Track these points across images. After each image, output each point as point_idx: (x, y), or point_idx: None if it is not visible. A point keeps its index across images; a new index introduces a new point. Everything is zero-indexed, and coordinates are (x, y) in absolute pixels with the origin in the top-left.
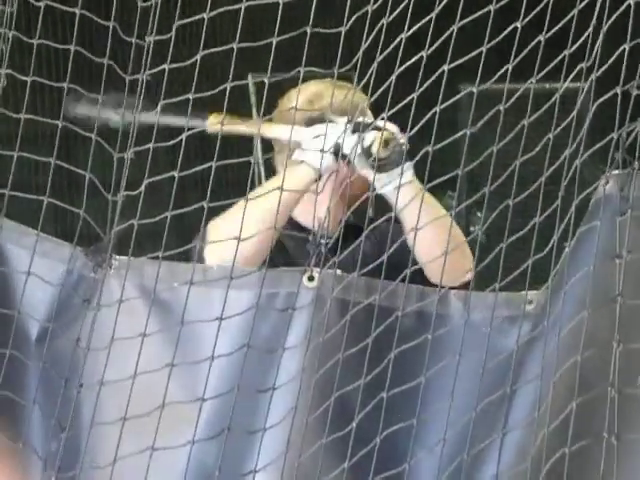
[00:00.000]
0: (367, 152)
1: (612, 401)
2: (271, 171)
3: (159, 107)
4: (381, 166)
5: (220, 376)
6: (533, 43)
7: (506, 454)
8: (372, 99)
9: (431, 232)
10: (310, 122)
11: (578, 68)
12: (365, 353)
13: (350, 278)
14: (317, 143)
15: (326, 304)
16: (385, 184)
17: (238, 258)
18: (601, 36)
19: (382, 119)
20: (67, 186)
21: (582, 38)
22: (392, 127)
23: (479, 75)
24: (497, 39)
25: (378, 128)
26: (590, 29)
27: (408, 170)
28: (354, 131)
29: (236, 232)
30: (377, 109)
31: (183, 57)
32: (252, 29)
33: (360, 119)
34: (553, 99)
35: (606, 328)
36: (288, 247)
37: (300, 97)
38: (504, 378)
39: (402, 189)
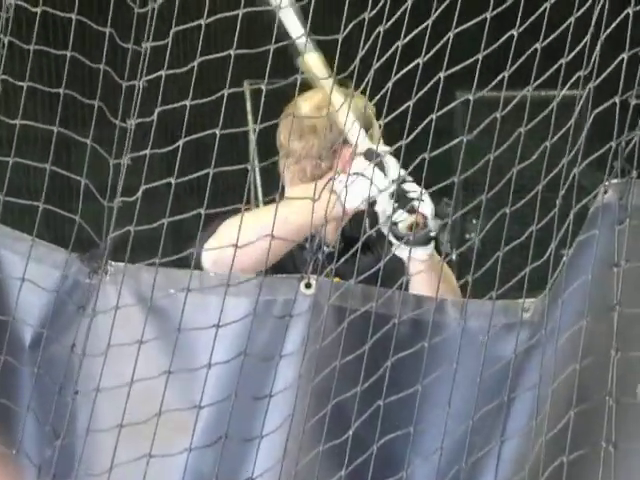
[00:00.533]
0: (392, 223)
1: (610, 410)
2: (275, 174)
3: (155, 114)
4: (402, 238)
5: (217, 383)
6: (530, 51)
7: (504, 463)
8: (372, 102)
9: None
10: (368, 155)
11: (575, 76)
12: (362, 360)
13: (347, 285)
14: (361, 185)
15: (323, 311)
16: (402, 250)
17: (239, 262)
18: (599, 44)
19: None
20: (62, 191)
21: (579, 46)
22: (427, 210)
23: (475, 83)
24: (493, 46)
25: (412, 208)
26: (587, 37)
27: (429, 249)
28: (398, 198)
29: (251, 240)
30: (376, 115)
31: (179, 63)
32: (249, 35)
33: (410, 184)
34: (550, 107)
35: (604, 337)
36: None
37: (307, 105)
38: (501, 386)
39: (416, 263)
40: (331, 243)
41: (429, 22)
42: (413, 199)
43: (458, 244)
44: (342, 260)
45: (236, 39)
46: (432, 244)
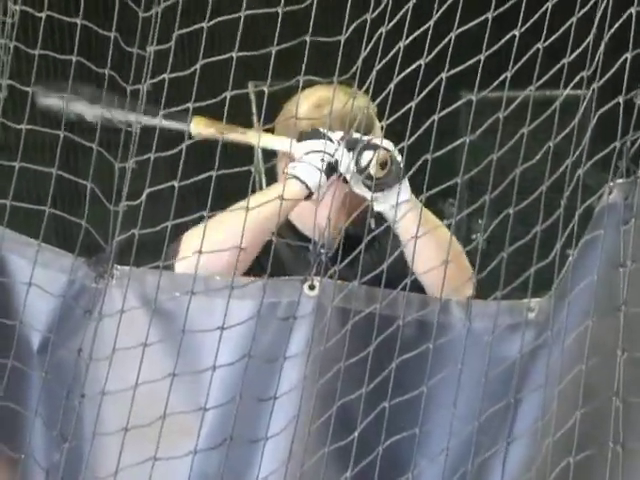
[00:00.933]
0: (363, 172)
1: (617, 410)
2: (272, 179)
3: (160, 116)
4: (377, 186)
5: (222, 386)
6: (532, 51)
7: (510, 464)
8: (375, 103)
9: (428, 248)
10: (303, 137)
11: (579, 77)
12: (366, 362)
13: (351, 287)
14: (310, 159)
15: (327, 313)
16: (382, 202)
17: (214, 266)
18: (602, 45)
19: (378, 137)
20: (67, 196)
21: (582, 46)
22: (389, 145)
23: (477, 83)
24: (495, 47)
25: (375, 146)
26: (591, 37)
27: (405, 189)
28: (350, 149)
29: (219, 239)
30: (378, 116)
31: (184, 66)
32: (252, 37)
33: (356, 135)
34: (553, 107)
35: (610, 337)
36: (283, 256)
37: (306, 103)
38: (507, 387)
39: (399, 207)
40: (333, 241)
41: (430, 23)
42: (368, 140)
43: (464, 244)
44: (346, 261)
45: (238, 41)
46: (406, 180)
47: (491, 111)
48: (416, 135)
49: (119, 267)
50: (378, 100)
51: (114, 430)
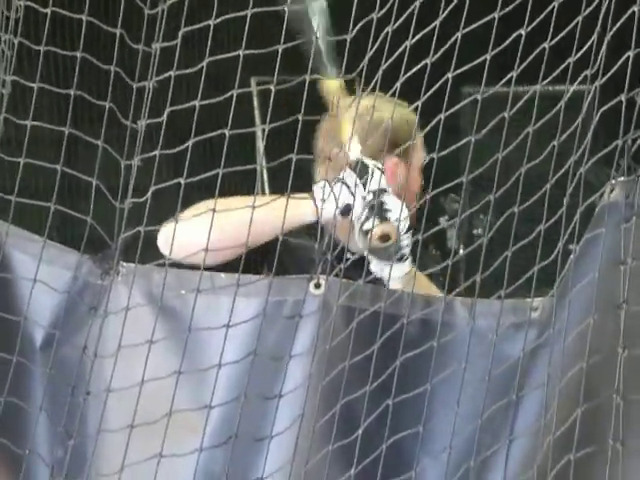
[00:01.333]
0: (364, 233)
1: (617, 408)
2: (282, 172)
3: (165, 115)
4: (375, 252)
5: (227, 384)
6: (538, 50)
7: (512, 462)
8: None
9: None
10: (354, 166)
11: (582, 75)
12: (371, 360)
13: (356, 285)
14: (337, 190)
15: (332, 311)
16: (376, 265)
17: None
18: (605, 43)
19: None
20: (71, 192)
21: (587, 45)
22: (399, 222)
23: (483, 82)
24: (500, 47)
25: (383, 217)
26: (595, 35)
27: (402, 266)
28: (373, 208)
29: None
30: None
31: (187, 63)
32: (257, 33)
33: (389, 195)
34: (558, 106)
35: (611, 335)
36: (301, 256)
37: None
38: (510, 385)
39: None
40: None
41: (437, 23)
42: (387, 210)
43: (466, 239)
44: (352, 259)
45: (245, 38)
46: (408, 262)
47: (493, 105)
48: (422, 134)
49: (124, 264)
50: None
51: (119, 427)
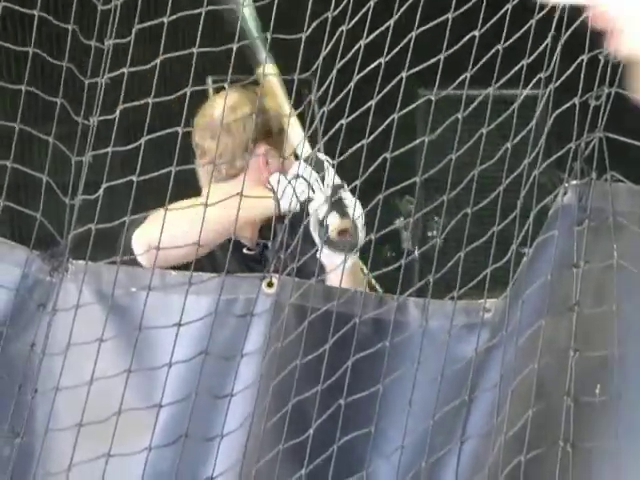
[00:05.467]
0: (321, 226)
1: (568, 409)
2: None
3: (118, 112)
4: (332, 245)
5: (178, 383)
6: (492, 52)
7: (464, 462)
8: (332, 104)
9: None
10: (309, 161)
11: (536, 78)
12: (323, 360)
13: (308, 284)
14: (298, 184)
15: (284, 310)
16: (326, 256)
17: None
18: (559, 46)
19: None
20: (23, 189)
21: (541, 47)
22: (359, 218)
23: (437, 83)
24: (455, 47)
25: (343, 212)
26: (549, 38)
27: (353, 257)
28: (333, 203)
29: (184, 229)
30: (338, 113)
31: (143, 60)
32: (213, 31)
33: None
34: (511, 109)
35: (563, 337)
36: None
37: (222, 103)
38: (462, 386)
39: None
40: (251, 245)
41: (390, 22)
42: (347, 206)
43: (420, 241)
44: (305, 258)
45: (199, 36)
46: (357, 253)
47: (447, 106)
48: (375, 135)
49: (74, 261)
50: (338, 98)
51: (68, 426)
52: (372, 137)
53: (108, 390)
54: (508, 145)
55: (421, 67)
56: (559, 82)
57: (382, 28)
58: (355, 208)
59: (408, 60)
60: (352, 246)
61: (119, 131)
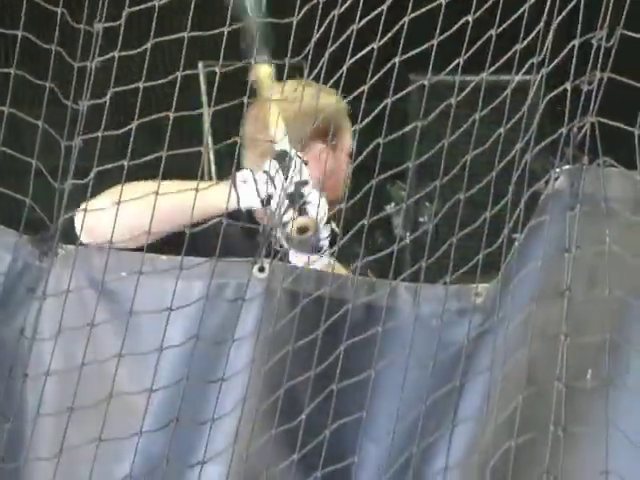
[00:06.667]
0: (284, 225)
1: (559, 394)
2: (228, 156)
3: (108, 96)
4: (293, 243)
5: (169, 367)
6: (485, 37)
7: (455, 447)
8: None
9: None
10: (278, 157)
11: (529, 63)
12: (315, 345)
13: (300, 270)
14: (260, 179)
15: (276, 295)
16: (295, 257)
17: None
18: (552, 31)
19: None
20: (14, 173)
21: (534, 32)
22: (317, 214)
23: (430, 68)
24: (448, 32)
25: (301, 211)
26: (542, 23)
27: (323, 258)
28: (289, 195)
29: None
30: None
31: (133, 44)
32: (204, 15)
33: (309, 186)
34: (504, 94)
35: (555, 322)
36: (234, 240)
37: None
38: (454, 371)
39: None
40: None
41: (384, 7)
42: (308, 203)
43: (412, 227)
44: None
45: (190, 20)
46: (327, 255)
47: (439, 91)
48: (368, 120)
49: (64, 246)
50: (330, 82)
51: (59, 411)
52: (364, 123)
53: (101, 375)
54: (501, 131)
55: (414, 52)
56: (551, 67)
57: (375, 12)
58: (318, 204)
59: (401, 44)
60: (314, 246)
61: (109, 115)
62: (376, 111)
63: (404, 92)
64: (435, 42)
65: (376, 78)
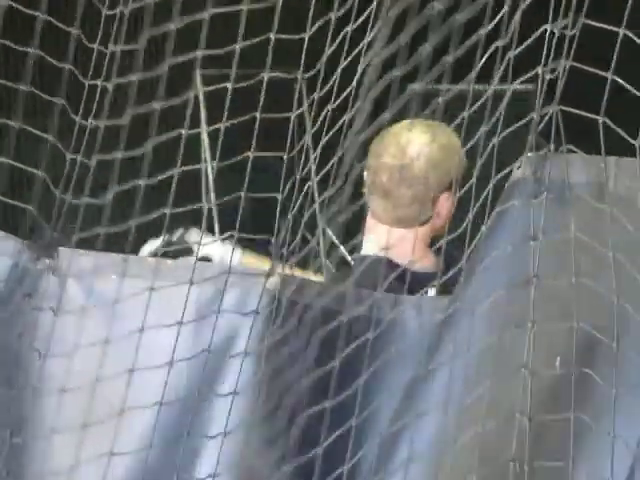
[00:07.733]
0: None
1: (525, 382)
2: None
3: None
4: None
5: (173, 377)
6: (470, 42)
7: (420, 436)
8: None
9: None
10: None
11: (493, 47)
12: (319, 357)
13: (302, 280)
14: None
15: (281, 306)
16: None
17: None
18: (517, 17)
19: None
20: (18, 180)
21: (498, 16)
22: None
23: (424, 77)
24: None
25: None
26: (506, 8)
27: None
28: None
29: None
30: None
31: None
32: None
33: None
34: (485, 97)
35: (521, 309)
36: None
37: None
38: (418, 361)
39: None
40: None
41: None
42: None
43: None
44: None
45: (203, 41)
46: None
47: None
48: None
49: (59, 249)
50: (324, 90)
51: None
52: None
53: (100, 387)
54: (464, 114)
55: (410, 65)
56: (519, 50)
57: (373, 32)
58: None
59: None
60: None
61: (118, 130)
62: (377, 121)
63: (400, 100)
64: (429, 48)
65: (376, 91)
